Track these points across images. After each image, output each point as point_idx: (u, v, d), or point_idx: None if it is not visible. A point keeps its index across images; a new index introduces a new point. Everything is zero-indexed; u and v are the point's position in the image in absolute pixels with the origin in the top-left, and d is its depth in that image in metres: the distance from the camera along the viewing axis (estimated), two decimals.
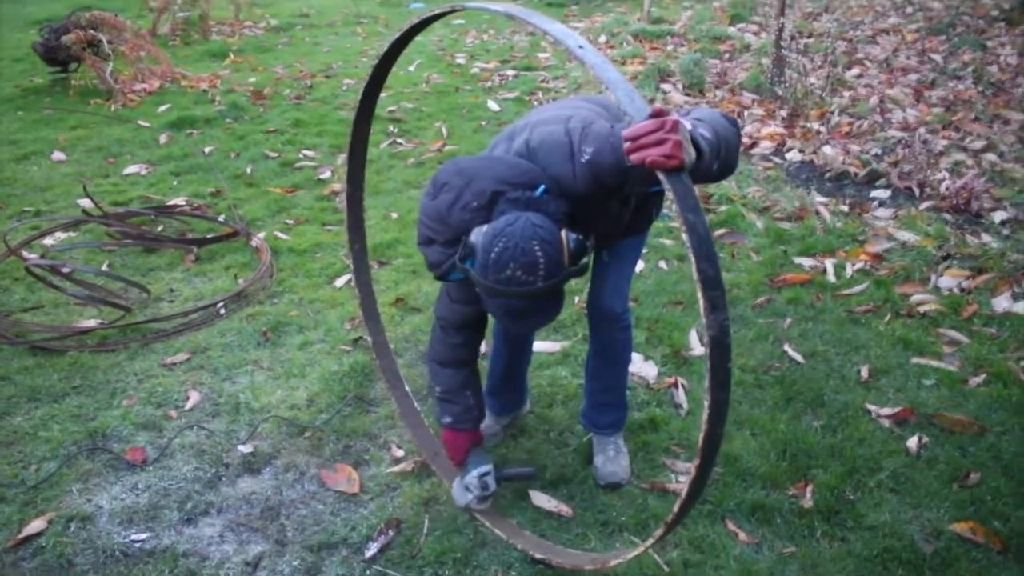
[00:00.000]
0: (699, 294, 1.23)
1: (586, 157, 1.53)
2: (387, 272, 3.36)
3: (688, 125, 1.32)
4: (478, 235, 1.48)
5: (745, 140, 4.83)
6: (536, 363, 2.69)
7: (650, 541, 1.55)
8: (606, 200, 1.62)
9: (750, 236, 3.65)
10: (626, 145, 1.27)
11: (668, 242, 3.63)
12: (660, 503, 2.02)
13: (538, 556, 1.78)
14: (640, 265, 3.39)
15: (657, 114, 1.27)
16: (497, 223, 1.47)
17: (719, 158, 1.41)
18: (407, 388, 2.25)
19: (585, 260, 1.49)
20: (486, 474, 1.87)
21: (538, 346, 2.81)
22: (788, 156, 4.62)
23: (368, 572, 1.80)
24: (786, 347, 2.75)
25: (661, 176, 1.25)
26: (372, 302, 2.30)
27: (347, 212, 2.16)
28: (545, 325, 1.62)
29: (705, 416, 1.29)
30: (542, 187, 1.53)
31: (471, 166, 1.59)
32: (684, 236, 1.23)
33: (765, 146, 4.76)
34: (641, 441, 2.26)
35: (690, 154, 1.29)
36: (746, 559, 1.82)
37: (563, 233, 1.47)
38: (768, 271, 3.30)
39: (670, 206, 1.37)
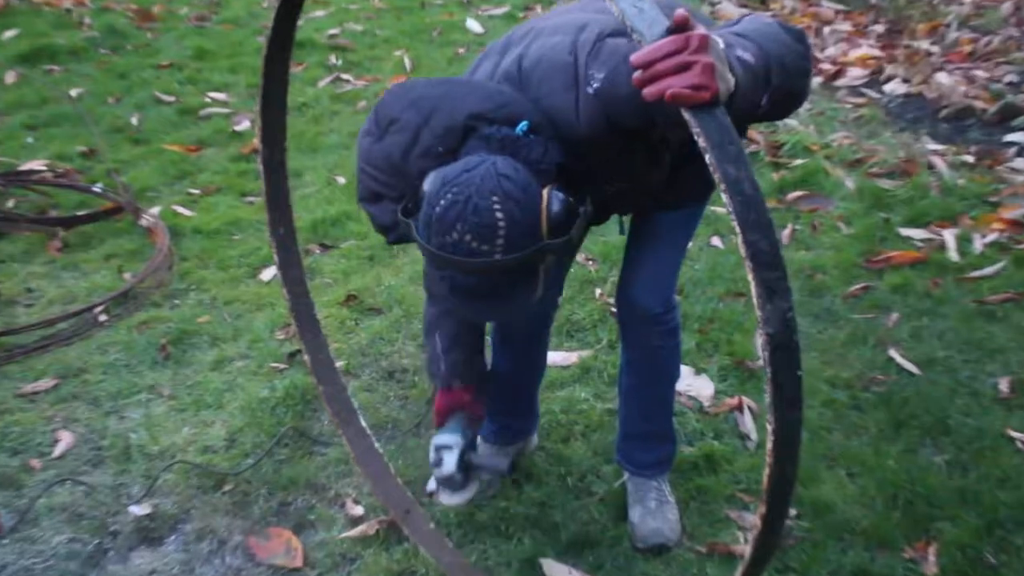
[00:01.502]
0: (750, 277, 1.22)
1: (595, 86, 1.52)
2: (333, 259, 3.36)
3: (720, 43, 1.29)
4: (430, 181, 1.49)
5: (827, 67, 4.84)
6: (545, 381, 2.67)
7: None
8: (625, 151, 1.62)
9: (837, 200, 3.67)
10: (636, 75, 1.24)
11: (721, 210, 3.62)
12: (723, 573, 2.03)
13: None
14: None
15: (678, 27, 1.23)
16: (451, 167, 1.48)
17: (770, 87, 1.39)
18: (363, 423, 2.27)
19: (574, 232, 1.50)
20: (445, 448, 1.87)
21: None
22: (887, 88, 4.64)
23: None
24: (893, 352, 2.77)
25: (687, 115, 1.23)
26: (307, 305, 2.32)
27: (264, 182, 2.14)
28: (507, 316, 1.63)
29: (770, 445, 1.28)
30: (524, 123, 1.53)
31: (429, 95, 1.59)
32: (724, 198, 1.22)
33: (855, 75, 4.77)
34: (695, 487, 2.28)
35: (727, 81, 1.27)
36: None
37: (546, 191, 1.47)
38: (864, 248, 3.31)
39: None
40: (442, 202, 1.44)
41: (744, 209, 1.22)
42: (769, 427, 1.27)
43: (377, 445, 2.29)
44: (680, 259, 2.02)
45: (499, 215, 1.42)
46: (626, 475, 2.24)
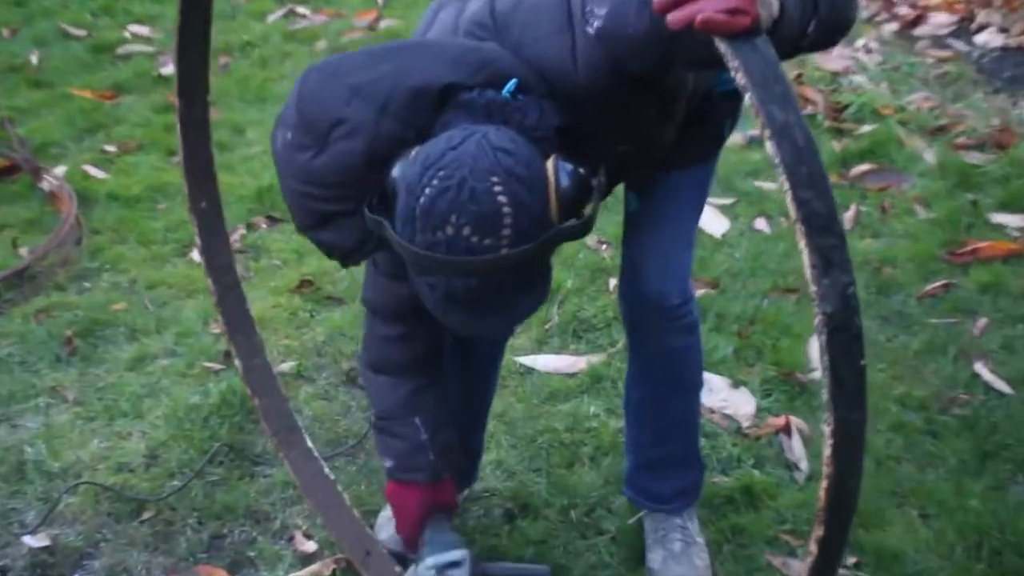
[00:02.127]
0: (801, 243, 1.24)
1: (596, 24, 1.52)
2: (283, 235, 3.37)
3: None
4: (403, 167, 1.49)
5: (904, 11, 4.85)
6: (546, 392, 2.72)
7: None
8: (635, 104, 1.63)
9: (913, 177, 3.68)
10: None
11: (769, 186, 3.65)
12: None
13: None
14: (721, 224, 3.41)
15: None
16: (433, 144, 1.48)
17: (818, 13, 1.41)
18: (309, 444, 2.29)
19: (588, 211, 1.52)
20: (452, 565, 1.89)
21: (546, 363, 2.84)
22: (979, 40, 4.65)
23: None
24: (979, 367, 2.77)
25: (723, 47, 1.24)
26: (237, 298, 2.32)
27: (182, 145, 2.14)
28: (509, 325, 1.66)
29: (826, 455, 1.30)
30: (513, 81, 1.53)
31: (375, 75, 1.56)
32: (770, 148, 1.23)
33: (939, 22, 4.79)
34: (730, 526, 2.29)
35: (768, 5, 1.28)
36: None
37: (549, 163, 1.49)
38: (945, 237, 3.32)
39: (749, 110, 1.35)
40: (427, 190, 1.43)
41: (795, 160, 1.23)
42: (826, 429, 1.28)
43: (328, 471, 2.29)
44: (693, 236, 2.04)
45: (502, 199, 1.42)
46: (643, 511, 2.25)
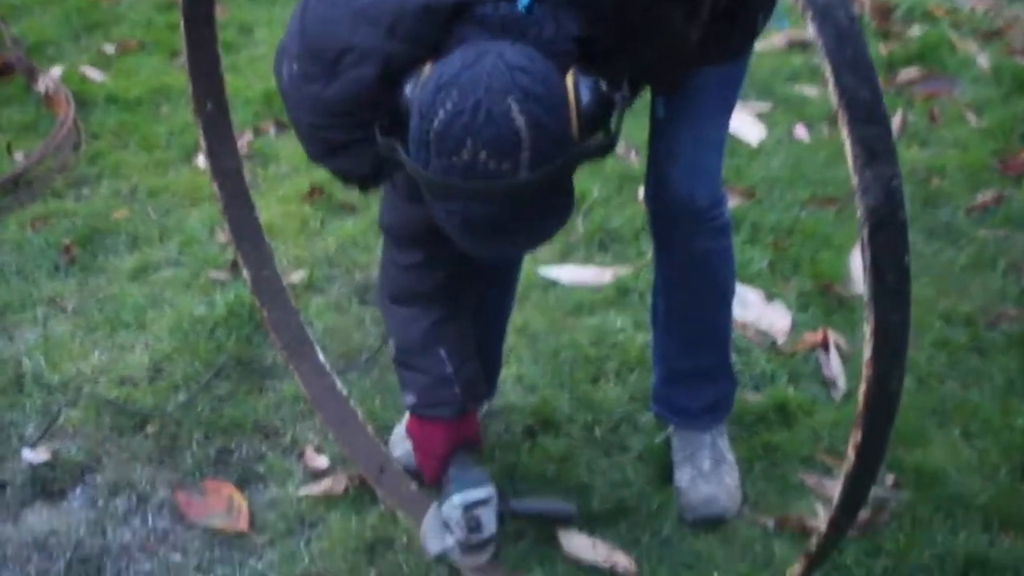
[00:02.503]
0: (844, 134, 1.23)
1: None
2: (292, 141, 3.13)
3: None
4: (415, 88, 1.48)
5: None
6: (570, 305, 2.70)
7: None
8: (656, 4, 1.59)
9: (965, 83, 3.61)
10: None
11: (810, 91, 3.59)
12: (796, 554, 1.99)
13: None
14: (757, 131, 3.36)
15: None
16: (446, 63, 1.46)
17: None
18: (321, 358, 2.31)
19: (612, 127, 1.52)
20: (480, 503, 1.90)
21: (571, 275, 2.81)
22: None
23: None
24: None
25: None
26: (245, 206, 2.32)
27: (185, 42, 2.10)
28: (531, 248, 1.65)
29: (866, 357, 1.29)
30: None
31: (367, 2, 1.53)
32: (811, 30, 1.21)
33: None
34: (762, 444, 2.28)
35: None
36: None
37: (569, 79, 1.47)
38: (998, 146, 3.28)
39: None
40: (441, 113, 1.41)
41: (837, 44, 1.20)
42: (867, 330, 1.27)
43: (340, 386, 2.30)
44: (723, 136, 2.02)
45: (520, 121, 1.41)
46: (671, 427, 2.26)
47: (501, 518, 1.94)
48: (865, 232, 1.24)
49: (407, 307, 1.92)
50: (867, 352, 1.29)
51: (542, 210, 1.50)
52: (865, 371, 1.30)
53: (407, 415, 2.04)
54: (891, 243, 1.25)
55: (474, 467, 1.98)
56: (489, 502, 1.91)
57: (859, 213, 1.24)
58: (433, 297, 1.91)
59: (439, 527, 1.94)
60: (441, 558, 1.97)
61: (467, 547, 1.92)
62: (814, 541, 1.50)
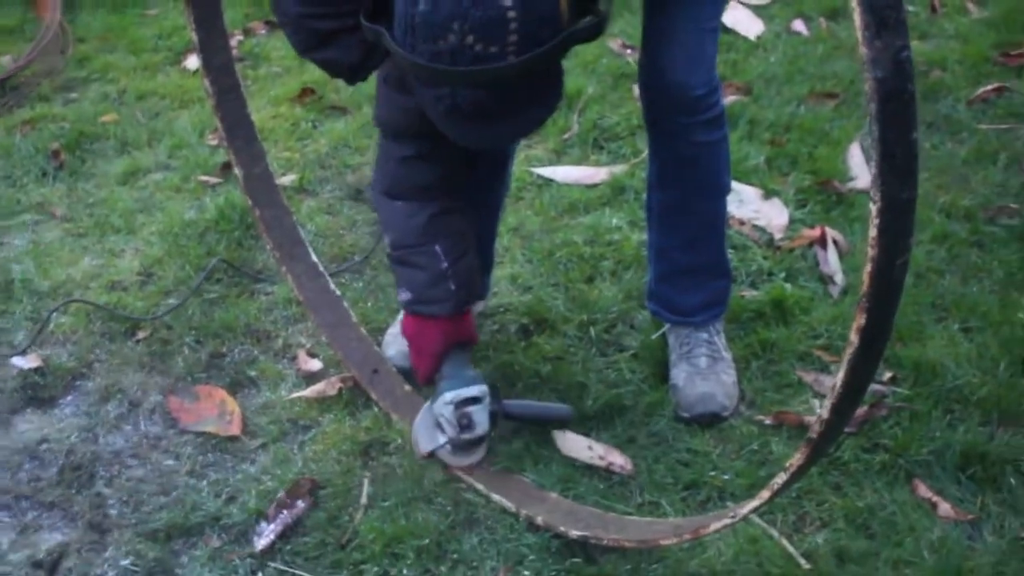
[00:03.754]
0: (853, 2, 1.18)
1: None
2: (283, 42, 3.23)
3: None
4: None
5: None
6: (564, 204, 2.67)
7: (758, 502, 1.54)
8: None
9: None
10: None
11: None
12: (793, 450, 1.96)
13: (576, 533, 1.79)
14: (755, 26, 3.30)
15: None
16: None
17: None
18: (313, 258, 2.31)
19: (603, 8, 1.49)
20: (472, 401, 1.90)
21: (565, 174, 2.79)
22: None
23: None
24: None
25: None
26: (237, 102, 2.26)
27: None
28: (520, 135, 1.66)
29: (872, 235, 1.27)
30: None
31: None
32: None
33: None
34: (759, 341, 2.26)
35: None
36: (950, 548, 1.80)
37: None
38: (999, 38, 3.23)
39: None
40: None
41: None
42: (873, 207, 1.24)
43: (333, 287, 2.29)
44: (718, 22, 1.97)
45: (507, 2, 1.39)
46: (667, 326, 2.23)
47: (493, 418, 1.93)
48: (873, 106, 1.19)
49: (403, 201, 1.88)
50: (873, 230, 1.26)
51: (531, 96, 1.49)
52: (870, 251, 1.27)
53: (401, 315, 2.02)
54: (899, 117, 1.20)
55: (468, 366, 1.97)
56: (481, 400, 1.91)
57: (867, 87, 1.19)
58: (429, 191, 1.88)
59: (430, 426, 1.93)
60: (432, 457, 1.96)
61: (458, 446, 1.92)
62: (816, 428, 1.46)
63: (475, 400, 1.90)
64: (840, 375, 1.39)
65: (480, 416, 1.90)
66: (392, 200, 1.90)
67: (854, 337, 1.34)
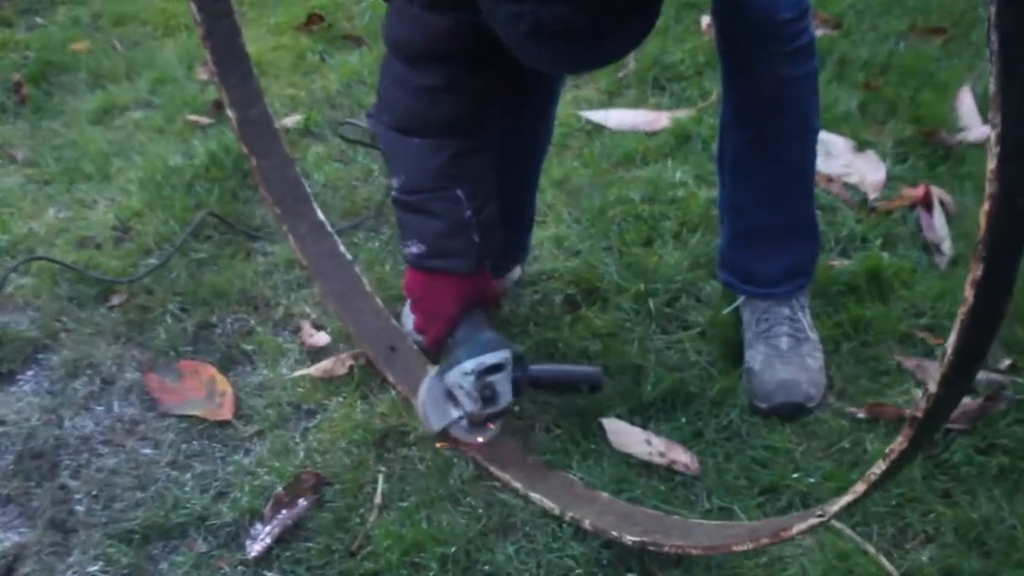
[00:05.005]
0: None
1: None
2: None
3: None
4: None
5: None
6: (619, 154, 2.67)
7: (851, 497, 1.52)
8: None
9: None
10: None
11: None
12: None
13: (631, 539, 1.79)
14: None
15: None
16: None
17: None
18: (320, 216, 2.32)
19: None
20: (495, 369, 1.90)
21: (620, 119, 2.79)
22: None
23: None
24: None
25: None
26: (230, 31, 2.26)
27: None
28: (609, 61, 1.64)
29: (990, 168, 1.22)
30: None
31: None
32: None
33: None
34: (850, 319, 2.26)
35: None
36: None
37: None
38: None
39: None
40: None
41: None
42: (992, 133, 1.19)
43: (343, 248, 2.30)
44: None
45: None
46: (741, 298, 2.23)
47: (517, 386, 1.93)
48: (992, 9, 1.14)
49: (421, 138, 1.87)
50: (991, 163, 1.22)
51: (623, 16, 1.50)
52: (988, 187, 1.23)
53: (407, 269, 2.01)
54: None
55: (485, 327, 1.97)
56: (504, 368, 1.91)
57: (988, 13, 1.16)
58: (452, 127, 1.86)
59: (441, 398, 1.93)
60: (444, 435, 1.96)
61: (476, 420, 1.93)
62: (923, 404, 1.43)
63: (498, 368, 1.90)
64: (952, 339, 1.35)
65: (503, 386, 1.90)
66: (406, 136, 1.88)
67: (968, 292, 1.31)
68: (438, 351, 2.01)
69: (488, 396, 1.89)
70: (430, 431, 1.95)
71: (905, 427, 1.46)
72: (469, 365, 1.88)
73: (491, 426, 1.96)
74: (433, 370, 1.97)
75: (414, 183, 1.89)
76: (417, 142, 1.87)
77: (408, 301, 2.21)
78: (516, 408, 2.07)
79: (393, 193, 1.93)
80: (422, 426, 1.98)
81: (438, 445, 2.03)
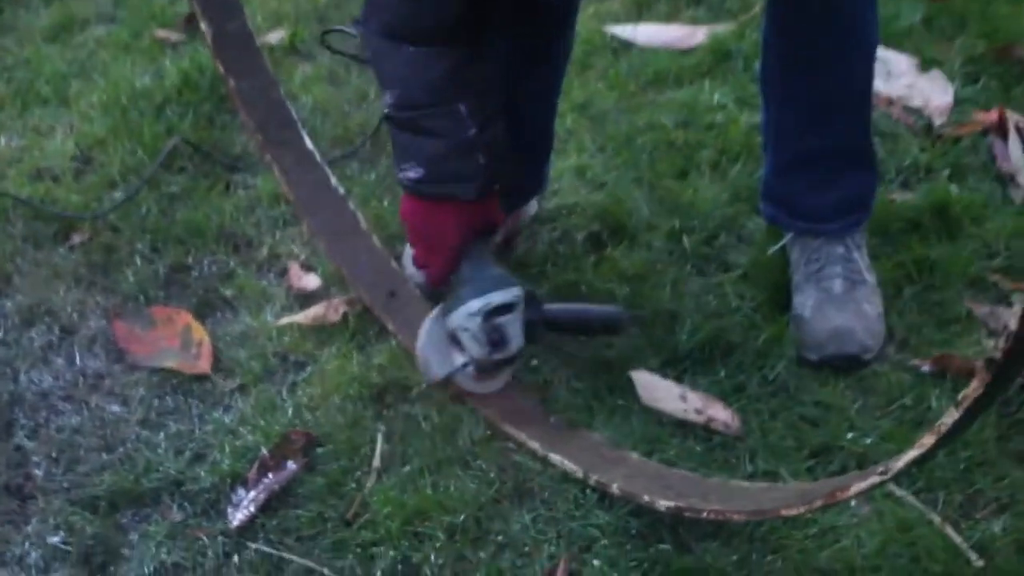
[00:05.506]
0: None
1: None
2: None
3: None
4: None
5: None
6: (649, 74, 2.65)
7: (918, 451, 1.47)
8: None
9: None
10: None
11: None
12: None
13: (665, 504, 1.76)
14: None
15: None
16: None
17: None
18: (308, 144, 2.32)
19: None
20: (504, 309, 1.89)
21: (650, 34, 2.77)
22: None
23: (236, 561, 1.79)
24: None
25: None
26: None
27: None
28: None
29: None
30: None
31: None
32: None
33: None
34: (913, 261, 2.23)
35: None
36: None
37: None
38: None
39: None
40: None
41: None
42: None
43: (335, 181, 2.30)
44: None
45: None
46: (788, 236, 2.20)
47: (530, 329, 1.93)
48: None
49: (416, 47, 1.83)
50: None
51: None
52: None
53: (403, 196, 2.00)
54: None
55: (492, 262, 1.97)
56: (515, 307, 1.91)
57: None
58: (455, 33, 1.82)
59: (443, 342, 1.94)
60: (446, 384, 1.97)
61: (485, 367, 1.93)
62: (1002, 344, 1.38)
63: (507, 308, 1.90)
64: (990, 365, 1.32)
65: (514, 328, 1.90)
66: (399, 43, 1.84)
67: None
68: (440, 289, 2.00)
69: (497, 340, 1.88)
70: (430, 380, 1.96)
71: (980, 370, 1.41)
72: (475, 304, 1.88)
73: (500, 375, 1.96)
74: (434, 311, 1.96)
75: (409, 98, 1.86)
76: (411, 50, 1.83)
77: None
78: (533, 361, 2.06)
79: (386, 110, 1.89)
80: (422, 376, 1.97)
81: (439, 397, 2.00)
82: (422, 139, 1.87)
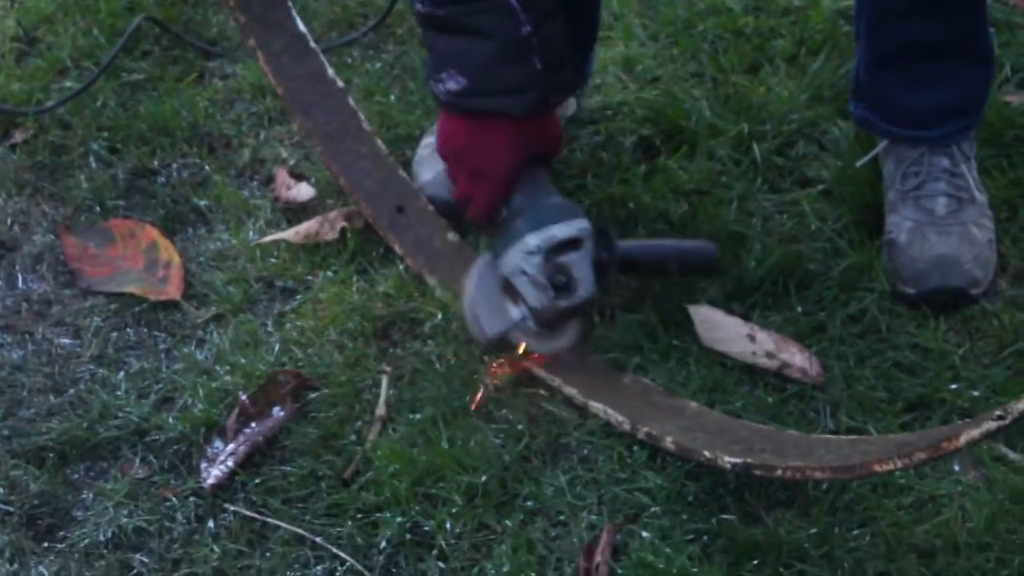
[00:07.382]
0: None
1: None
2: None
3: None
4: None
5: None
6: None
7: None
8: None
9: None
10: None
11: None
12: None
13: (730, 460, 1.76)
14: None
15: None
16: None
17: None
18: (300, 27, 2.33)
19: None
20: (568, 245, 1.88)
21: None
22: None
23: (210, 526, 1.79)
24: None
25: None
26: None
27: None
28: None
29: None
30: None
31: None
32: None
33: None
34: None
35: None
36: None
37: None
38: None
39: None
40: None
41: None
42: None
43: (332, 73, 2.32)
44: None
45: None
46: (881, 144, 2.19)
47: (601, 271, 1.90)
48: None
49: None
50: None
51: None
52: None
53: (439, 115, 1.97)
54: None
55: (553, 190, 1.95)
56: (583, 243, 1.88)
57: None
58: None
59: (495, 293, 1.92)
60: (502, 344, 1.94)
61: (547, 321, 1.90)
62: None
63: (574, 244, 1.87)
64: None
65: (583, 269, 1.87)
66: None
67: None
68: (489, 226, 1.98)
69: (562, 284, 1.87)
70: (482, 341, 1.93)
71: None
72: (533, 241, 1.86)
73: (568, 330, 1.94)
74: (483, 256, 1.95)
75: None
76: None
77: (421, 142, 2.20)
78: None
79: (418, 5, 1.85)
80: (472, 337, 1.96)
81: (494, 365, 1.98)
82: (465, 40, 1.84)
